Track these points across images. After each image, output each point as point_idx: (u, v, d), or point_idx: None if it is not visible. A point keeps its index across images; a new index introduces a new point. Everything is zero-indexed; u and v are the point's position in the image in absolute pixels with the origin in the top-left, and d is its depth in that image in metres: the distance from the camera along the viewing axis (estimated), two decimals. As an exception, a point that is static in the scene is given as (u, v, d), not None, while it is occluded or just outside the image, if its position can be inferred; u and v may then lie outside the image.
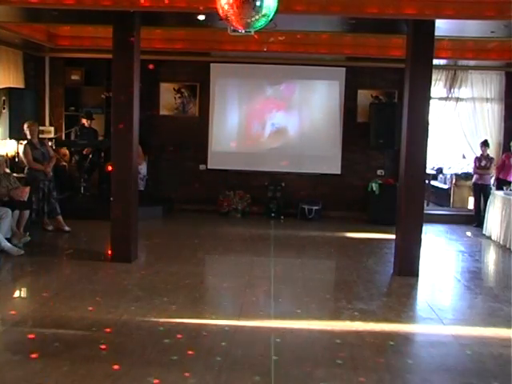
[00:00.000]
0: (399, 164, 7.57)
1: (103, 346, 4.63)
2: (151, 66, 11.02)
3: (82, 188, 10.66)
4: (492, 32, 8.14)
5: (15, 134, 9.77)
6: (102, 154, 10.92)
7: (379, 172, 11.53)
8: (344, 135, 11.69)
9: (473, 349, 4.95)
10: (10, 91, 9.99)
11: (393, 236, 7.76)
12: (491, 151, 11.18)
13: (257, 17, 4.84)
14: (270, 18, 4.97)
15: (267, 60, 11.29)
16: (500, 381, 4.29)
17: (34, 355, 4.42)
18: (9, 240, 7.71)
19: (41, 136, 9.86)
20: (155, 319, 5.32)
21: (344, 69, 11.55)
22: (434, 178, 13.00)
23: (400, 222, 7.47)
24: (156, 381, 4.03)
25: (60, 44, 10.83)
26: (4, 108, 9.88)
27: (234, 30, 5.13)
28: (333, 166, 11.74)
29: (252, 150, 11.80)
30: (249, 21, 4.86)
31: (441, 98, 11.68)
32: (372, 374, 4.32)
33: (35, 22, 9.28)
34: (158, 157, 11.79)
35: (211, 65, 11.68)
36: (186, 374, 4.19)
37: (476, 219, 11.01)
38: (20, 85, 10.94)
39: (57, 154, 10.09)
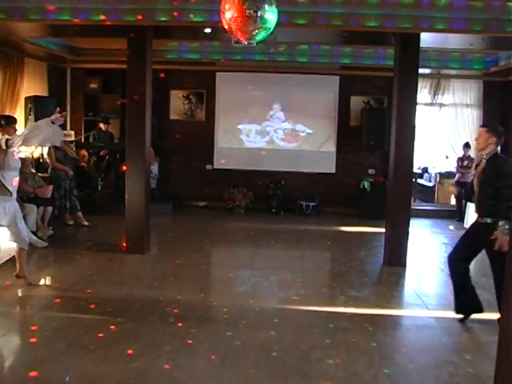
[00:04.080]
0: (389, 164, 7.57)
1: (119, 330, 4.64)
2: (162, 75, 11.02)
3: (100, 186, 10.65)
4: (471, 45, 8.15)
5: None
6: (118, 156, 10.91)
7: (370, 171, 11.51)
8: (338, 137, 11.68)
9: (454, 331, 4.98)
10: (35, 99, 10.00)
11: (382, 229, 7.76)
12: (472, 152, 11.17)
13: (258, 30, 4.83)
14: (270, 31, 4.97)
15: (268, 69, 11.26)
16: (477, 358, 4.32)
17: (58, 336, 4.45)
18: (34, 233, 7.72)
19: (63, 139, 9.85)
20: (166, 305, 5.33)
21: (338, 77, 11.52)
22: (420, 176, 12.98)
23: (389, 217, 7.47)
24: (166, 366, 4.04)
25: (80, 56, 10.90)
26: (30, 114, 9.89)
27: (237, 42, 5.12)
28: (328, 165, 11.72)
29: (254, 151, 11.79)
30: (251, 33, 4.85)
31: (426, 104, 11.65)
32: (364, 355, 4.33)
33: (58, 36, 9.34)
34: (169, 158, 11.78)
35: (217, 73, 11.67)
36: (195, 355, 4.20)
37: (458, 214, 11.00)
38: (44, 93, 10.95)
39: (77, 155, 10.09)
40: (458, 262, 5.26)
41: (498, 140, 5.00)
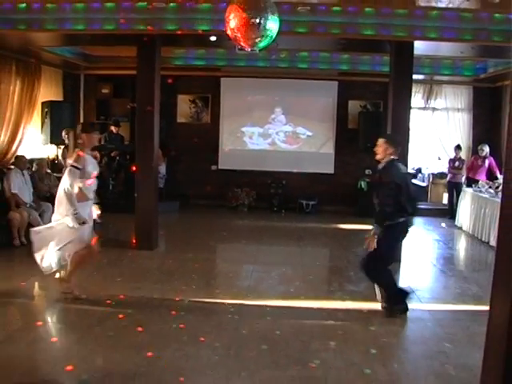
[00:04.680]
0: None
1: (129, 321, 4.66)
2: (170, 81, 11.02)
3: (111, 186, 10.67)
4: (461, 52, 8.16)
5: (55, 139, 9.83)
6: (128, 157, 10.91)
7: (367, 171, 11.48)
8: (337, 140, 11.68)
9: (445, 323, 4.98)
10: (51, 104, 10.08)
11: (378, 227, 7.74)
12: (462, 154, 11.17)
13: (261, 37, 4.84)
14: (272, 39, 4.97)
15: (270, 74, 11.28)
16: (467, 348, 4.33)
17: (72, 327, 4.47)
18: (49, 230, 7.75)
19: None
20: (173, 298, 5.34)
21: (337, 82, 11.53)
22: (414, 176, 12.95)
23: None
24: (174, 355, 4.05)
25: (93, 63, 10.97)
26: (46, 118, 9.95)
27: (241, 49, 5.12)
28: (327, 166, 11.72)
29: (257, 152, 11.80)
30: (254, 41, 4.85)
31: (419, 108, 11.66)
32: (360, 346, 4.34)
33: (73, 45, 9.41)
34: (176, 158, 11.79)
35: (221, 79, 11.69)
36: (201, 346, 4.21)
37: (449, 212, 10.98)
38: (59, 98, 11.02)
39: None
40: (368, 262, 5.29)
41: (396, 150, 5.18)
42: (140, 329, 4.51)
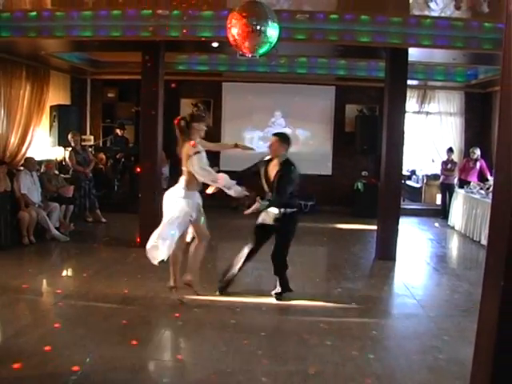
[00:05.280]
0: (380, 166, 7.57)
1: (134, 317, 4.67)
2: (173, 85, 11.04)
3: (116, 186, 10.68)
4: (454, 59, 8.19)
5: (63, 142, 9.85)
6: (132, 159, 10.92)
7: (363, 173, 11.50)
8: (334, 142, 11.68)
9: (438, 319, 4.99)
10: (59, 107, 10.11)
11: (375, 226, 7.76)
12: (455, 156, 11.19)
13: (261, 44, 4.86)
14: (272, 45, 4.99)
15: (270, 79, 11.28)
16: (458, 343, 4.34)
17: (79, 323, 4.48)
18: (57, 229, 7.79)
19: (82, 143, 9.93)
20: (176, 295, 5.34)
21: (334, 87, 11.54)
22: (409, 178, 12.96)
23: (380, 215, 7.48)
24: (177, 350, 4.06)
25: (99, 68, 11.00)
26: (54, 121, 9.97)
27: (242, 55, 5.14)
28: (325, 167, 11.72)
29: (257, 154, 11.76)
30: (255, 47, 4.87)
31: (414, 112, 11.66)
32: (357, 341, 4.35)
33: (80, 51, 9.44)
34: (179, 160, 11.75)
35: (223, 84, 11.70)
36: (202, 341, 4.22)
37: (442, 213, 11.00)
38: (67, 102, 11.03)
39: (95, 158, 10.13)
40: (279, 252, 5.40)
41: (288, 147, 5.34)
42: (144, 325, 4.52)
